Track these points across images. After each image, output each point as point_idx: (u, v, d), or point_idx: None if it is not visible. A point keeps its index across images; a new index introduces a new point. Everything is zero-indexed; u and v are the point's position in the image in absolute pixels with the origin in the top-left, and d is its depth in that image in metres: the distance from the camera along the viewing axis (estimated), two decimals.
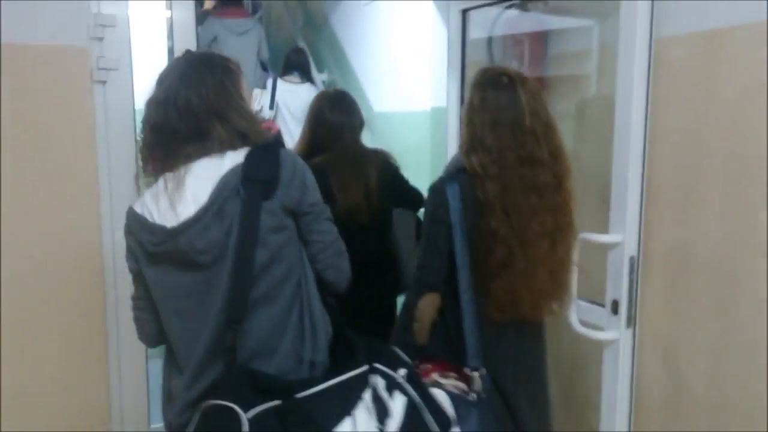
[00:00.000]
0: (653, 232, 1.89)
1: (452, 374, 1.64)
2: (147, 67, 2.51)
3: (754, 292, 1.61)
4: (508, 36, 2.57)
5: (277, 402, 1.36)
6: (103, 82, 2.25)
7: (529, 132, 1.71)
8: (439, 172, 1.94)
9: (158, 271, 1.49)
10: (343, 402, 1.39)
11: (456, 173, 1.79)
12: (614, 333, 1.92)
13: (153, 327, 1.58)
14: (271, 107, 4.52)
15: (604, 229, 1.94)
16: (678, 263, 1.83)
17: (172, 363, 1.57)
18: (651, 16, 1.82)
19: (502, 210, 1.70)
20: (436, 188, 1.78)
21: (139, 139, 1.55)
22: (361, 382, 1.44)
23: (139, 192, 1.65)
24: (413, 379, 1.48)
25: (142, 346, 2.34)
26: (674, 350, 1.86)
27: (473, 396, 1.63)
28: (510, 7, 2.52)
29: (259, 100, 4.58)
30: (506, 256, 1.70)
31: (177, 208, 1.44)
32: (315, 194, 1.55)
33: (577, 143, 2.48)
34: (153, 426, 2.45)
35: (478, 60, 2.74)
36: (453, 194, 1.73)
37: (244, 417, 1.31)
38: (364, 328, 1.68)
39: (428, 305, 1.76)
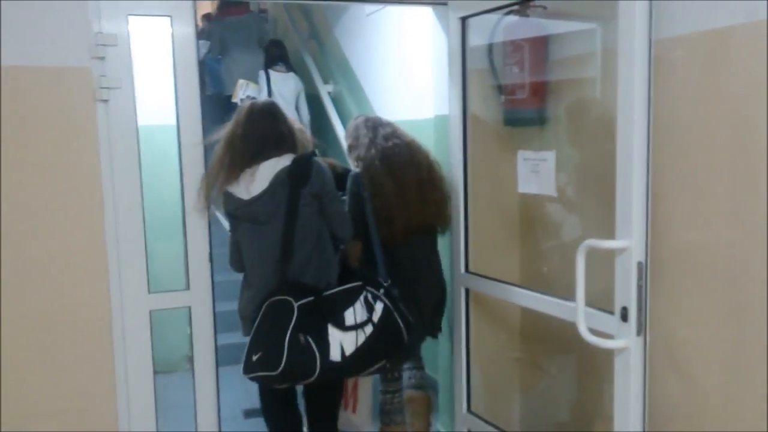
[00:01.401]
0: (661, 236, 1.86)
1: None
2: (151, 84, 2.53)
3: None
4: (508, 42, 2.56)
5: (311, 298, 2.39)
6: (106, 101, 2.26)
7: (394, 145, 2.85)
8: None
9: (240, 225, 2.56)
10: (349, 299, 2.44)
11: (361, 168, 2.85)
12: (624, 341, 1.90)
13: (238, 259, 2.61)
14: (269, 95, 5.11)
15: (611, 235, 1.92)
16: (689, 267, 1.80)
17: (244, 283, 2.61)
18: (650, 17, 1.80)
19: (379, 182, 2.77)
20: (354, 175, 2.77)
21: (222, 154, 2.52)
22: (358, 290, 2.47)
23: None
24: (388, 294, 2.51)
25: (149, 364, 2.39)
26: (687, 357, 1.83)
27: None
28: (509, 13, 2.51)
29: (244, 90, 5.17)
30: (385, 202, 2.76)
31: (250, 189, 2.46)
32: (330, 186, 2.54)
33: (581, 148, 2.46)
34: None
35: (479, 67, 2.74)
36: (362, 178, 2.75)
37: (295, 304, 2.34)
38: None
39: (354, 247, 2.75)
